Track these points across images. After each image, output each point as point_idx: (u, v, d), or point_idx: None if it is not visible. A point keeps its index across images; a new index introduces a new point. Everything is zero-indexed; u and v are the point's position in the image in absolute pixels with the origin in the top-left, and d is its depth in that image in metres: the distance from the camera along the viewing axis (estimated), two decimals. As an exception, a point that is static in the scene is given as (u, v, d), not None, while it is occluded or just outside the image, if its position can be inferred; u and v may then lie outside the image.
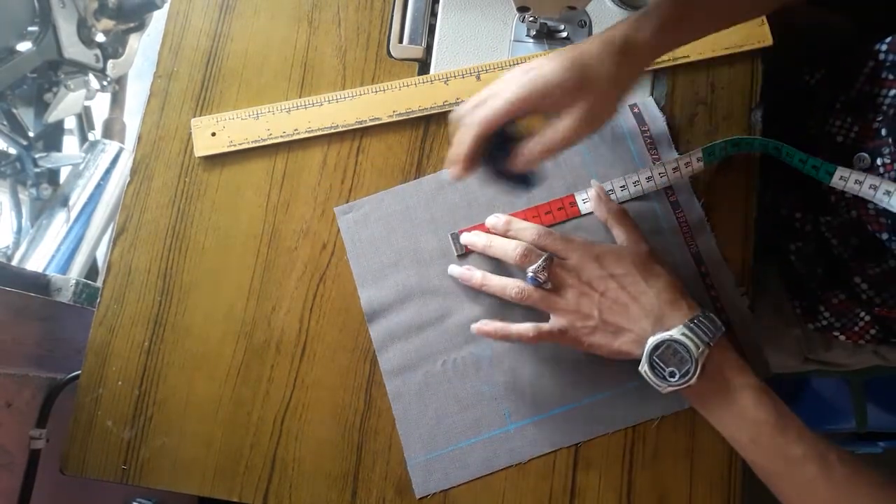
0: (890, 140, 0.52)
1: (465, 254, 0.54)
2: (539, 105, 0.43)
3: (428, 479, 0.52)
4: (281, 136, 0.57)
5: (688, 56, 0.56)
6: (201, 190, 0.57)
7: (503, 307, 0.52)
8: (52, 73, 1.07)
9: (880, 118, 0.53)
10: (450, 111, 0.56)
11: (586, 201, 0.54)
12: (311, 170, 0.57)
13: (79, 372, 0.55)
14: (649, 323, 0.47)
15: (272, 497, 0.52)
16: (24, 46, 1.01)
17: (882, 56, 0.55)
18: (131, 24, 1.19)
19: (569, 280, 0.49)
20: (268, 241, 0.56)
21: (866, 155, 0.54)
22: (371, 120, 0.57)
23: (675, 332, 0.45)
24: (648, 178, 0.53)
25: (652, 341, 0.46)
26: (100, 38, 1.14)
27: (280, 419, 0.53)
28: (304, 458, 0.53)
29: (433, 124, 0.57)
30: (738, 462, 0.51)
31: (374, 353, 0.54)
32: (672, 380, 0.45)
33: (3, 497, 0.55)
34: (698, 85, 0.57)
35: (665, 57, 0.56)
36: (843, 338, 0.65)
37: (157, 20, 1.24)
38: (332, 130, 0.57)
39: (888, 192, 0.48)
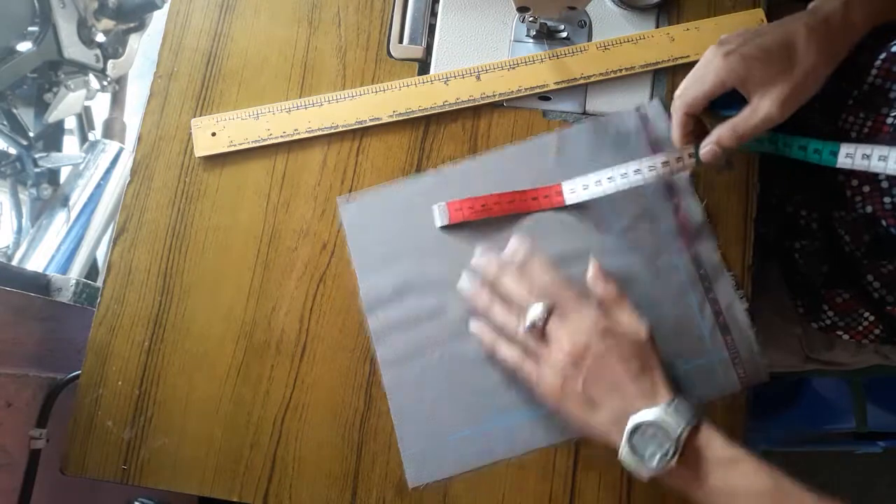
0: None
1: (448, 225, 0.54)
2: (739, 87, 0.47)
3: (421, 469, 0.52)
4: (281, 136, 0.57)
5: (688, 56, 0.56)
6: (201, 190, 0.57)
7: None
8: (52, 73, 1.07)
9: (894, 113, 0.53)
10: (450, 111, 0.57)
11: (573, 192, 0.54)
12: (311, 170, 0.57)
13: (79, 372, 0.55)
14: (630, 402, 0.45)
15: (272, 497, 0.52)
16: (24, 46, 1.01)
17: (895, 48, 0.54)
18: (131, 24, 1.19)
19: (564, 342, 0.47)
20: (268, 241, 0.56)
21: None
22: (371, 120, 0.57)
23: (653, 414, 0.43)
24: (637, 171, 0.52)
25: (632, 422, 0.44)
26: (100, 38, 1.14)
27: (280, 419, 0.53)
28: (304, 458, 0.53)
29: (433, 124, 0.57)
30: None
31: (374, 353, 0.54)
32: (652, 462, 0.43)
33: (3, 497, 0.55)
34: (698, 85, 0.57)
35: (665, 56, 0.56)
36: (846, 337, 0.65)
37: (157, 20, 1.24)
38: (333, 130, 0.57)
39: None
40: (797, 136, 0.51)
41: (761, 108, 0.46)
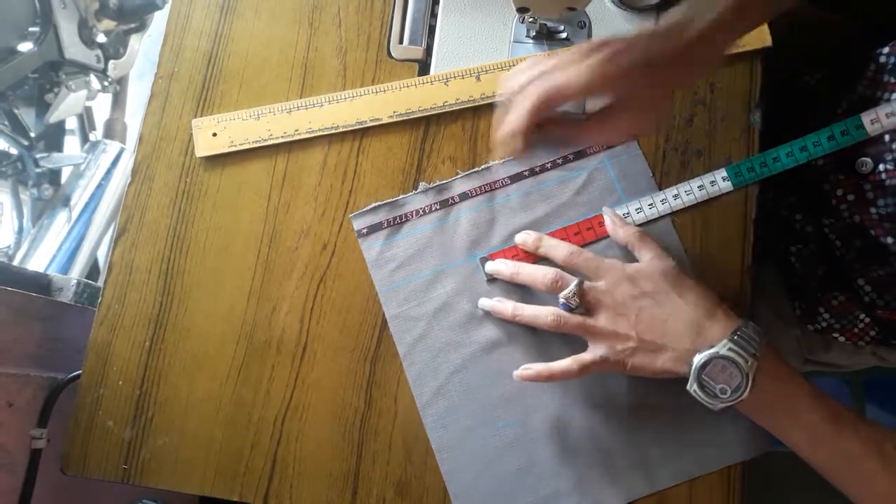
0: (893, 146, 0.52)
1: (493, 279, 0.54)
2: (601, 91, 0.42)
3: None
4: (281, 137, 0.57)
5: (688, 57, 0.56)
6: (202, 190, 0.57)
7: (541, 342, 0.52)
8: (53, 73, 1.07)
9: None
10: (450, 111, 0.57)
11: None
12: (311, 170, 0.57)
13: (80, 372, 0.55)
14: (690, 338, 0.46)
15: (272, 497, 0.53)
16: (25, 47, 1.01)
17: (883, 59, 0.54)
18: (132, 25, 1.19)
19: (602, 302, 0.48)
20: (268, 242, 0.56)
21: (869, 160, 0.54)
22: (371, 120, 0.57)
23: (721, 348, 0.44)
24: (675, 196, 0.54)
25: (698, 359, 0.45)
26: (101, 38, 1.14)
27: (280, 419, 0.54)
28: (304, 458, 0.53)
29: (433, 125, 0.57)
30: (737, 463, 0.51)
31: (374, 353, 0.54)
32: (724, 396, 0.44)
33: (3, 497, 0.55)
34: (698, 85, 0.57)
35: (665, 57, 0.56)
36: (842, 339, 0.65)
37: (158, 21, 1.23)
38: (333, 131, 0.57)
39: None
40: (819, 129, 0.51)
41: (624, 118, 0.43)
